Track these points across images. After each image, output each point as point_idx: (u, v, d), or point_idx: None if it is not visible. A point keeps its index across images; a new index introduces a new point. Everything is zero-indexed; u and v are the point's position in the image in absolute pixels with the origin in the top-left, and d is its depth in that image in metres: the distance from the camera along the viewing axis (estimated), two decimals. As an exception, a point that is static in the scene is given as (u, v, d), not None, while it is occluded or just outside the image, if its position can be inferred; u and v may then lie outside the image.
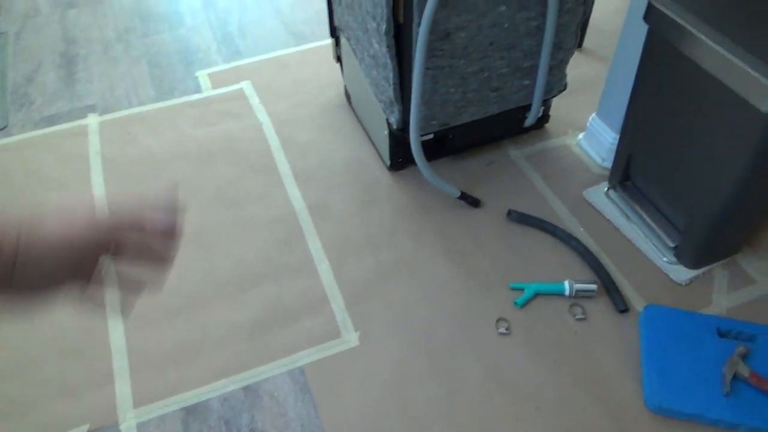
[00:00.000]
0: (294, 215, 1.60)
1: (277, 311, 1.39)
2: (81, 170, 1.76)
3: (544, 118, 1.80)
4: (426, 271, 1.46)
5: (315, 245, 1.52)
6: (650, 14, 1.24)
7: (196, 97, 2.02)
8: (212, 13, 2.43)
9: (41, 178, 1.75)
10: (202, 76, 2.11)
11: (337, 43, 1.86)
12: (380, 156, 1.75)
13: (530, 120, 1.67)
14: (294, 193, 1.66)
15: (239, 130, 1.86)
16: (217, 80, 2.08)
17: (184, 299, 1.42)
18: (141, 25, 2.38)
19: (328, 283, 1.44)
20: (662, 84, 1.30)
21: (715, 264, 1.45)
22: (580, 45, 2.13)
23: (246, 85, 2.05)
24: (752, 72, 1.04)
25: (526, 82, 1.56)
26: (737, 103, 1.09)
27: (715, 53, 1.10)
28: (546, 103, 1.73)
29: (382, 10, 1.30)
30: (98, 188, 1.70)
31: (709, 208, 1.29)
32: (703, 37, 1.12)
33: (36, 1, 2.55)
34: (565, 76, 1.63)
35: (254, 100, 1.98)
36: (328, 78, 2.05)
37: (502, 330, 1.33)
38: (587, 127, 1.75)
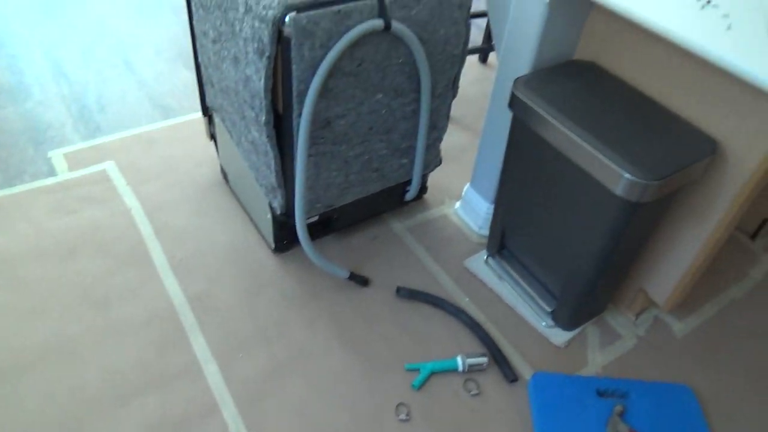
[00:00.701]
0: (173, 311, 1.48)
1: (162, 426, 1.26)
2: None
3: (423, 189, 1.87)
4: (321, 361, 1.42)
5: (199, 344, 1.42)
6: (513, 103, 1.35)
7: (50, 181, 1.83)
8: (65, 85, 2.24)
9: None
10: (57, 156, 1.92)
11: (211, 122, 1.79)
12: (264, 238, 1.70)
13: (411, 195, 1.72)
14: (172, 286, 1.54)
15: (105, 218, 1.71)
16: (74, 161, 1.91)
17: (53, 426, 1.24)
18: (-21, 100, 2.14)
19: (217, 387, 1.34)
20: (528, 163, 1.41)
21: (587, 323, 1.57)
22: (447, 115, 2.26)
23: (110, 166, 1.90)
24: (603, 159, 1.16)
25: (405, 160, 1.61)
26: (594, 184, 1.21)
27: (571, 140, 1.22)
28: (424, 177, 1.80)
29: (261, 102, 1.28)
30: (-69, 298, 1.46)
31: (578, 275, 1.40)
32: (560, 126, 1.23)
33: None
34: (439, 152, 1.70)
35: (120, 182, 1.84)
36: (203, 155, 1.97)
37: (403, 416, 1.32)
38: (463, 196, 1.84)
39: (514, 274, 1.63)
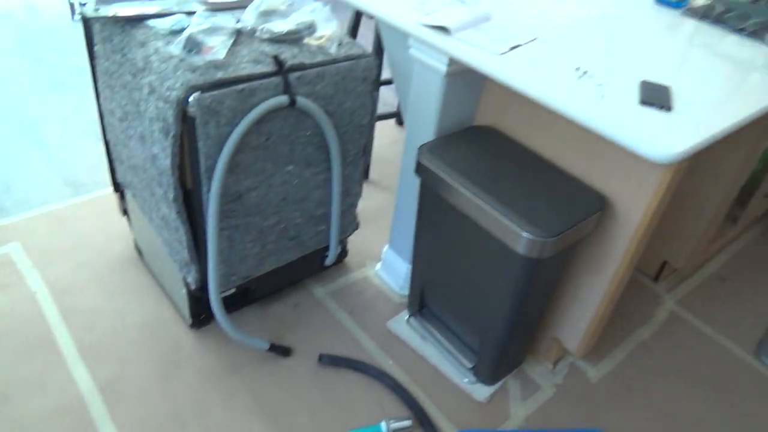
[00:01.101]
0: (81, 401, 1.40)
1: None
2: None
3: (343, 253, 1.89)
4: (242, 438, 1.37)
5: (110, 434, 1.34)
6: (419, 169, 1.41)
7: (-54, 268, 1.72)
8: (-34, 165, 2.15)
9: None
10: (-45, 240, 1.82)
11: (123, 197, 1.76)
12: (180, 314, 1.65)
13: (330, 260, 1.73)
14: (80, 373, 1.46)
15: (6, 305, 1.61)
16: (-26, 244, 1.81)
17: None
18: None
19: (130, 479, 1.26)
20: (439, 224, 1.46)
21: (507, 376, 1.61)
22: (366, 176, 2.32)
23: (14, 248, 1.81)
24: (504, 219, 1.23)
25: (322, 227, 1.63)
26: (498, 244, 1.27)
27: (474, 203, 1.28)
28: (343, 241, 1.82)
29: (168, 179, 1.28)
30: None
31: (493, 329, 1.44)
32: (462, 190, 1.30)
33: None
34: (356, 216, 1.74)
35: (25, 265, 1.75)
36: (116, 231, 1.91)
37: (329, 491, 1.28)
38: (383, 257, 1.88)
39: (435, 332, 1.66)
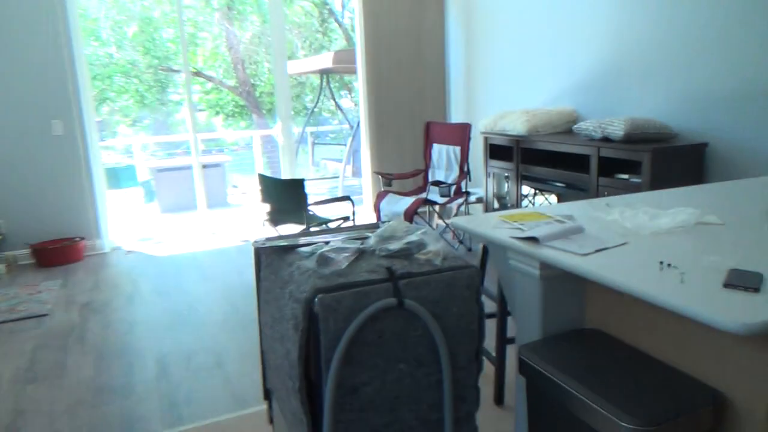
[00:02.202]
0: None
1: None
2: None
3: (468, 471, 1.84)
4: None
5: None
6: (522, 367, 1.47)
7: (127, 464, 2.03)
8: (164, 383, 2.61)
9: None
10: (139, 443, 2.16)
11: (270, 405, 2.00)
12: None
13: (449, 473, 1.71)
14: None
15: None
16: (152, 446, 2.12)
17: None
18: (92, 398, 2.52)
19: None
20: (546, 426, 1.43)
21: None
22: (500, 402, 2.31)
23: (180, 452, 2.09)
24: (602, 410, 1.20)
25: (438, 433, 1.67)
26: (602, 439, 1.22)
27: (572, 395, 1.28)
28: (465, 456, 1.79)
29: (296, 370, 1.50)
30: None
31: None
32: (561, 383, 1.32)
33: (0, 376, 2.73)
34: (476, 428, 1.74)
35: (185, 466, 1.99)
36: (263, 441, 2.12)
37: None
38: (510, 479, 1.78)
39: None
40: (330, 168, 9.14)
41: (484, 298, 1.75)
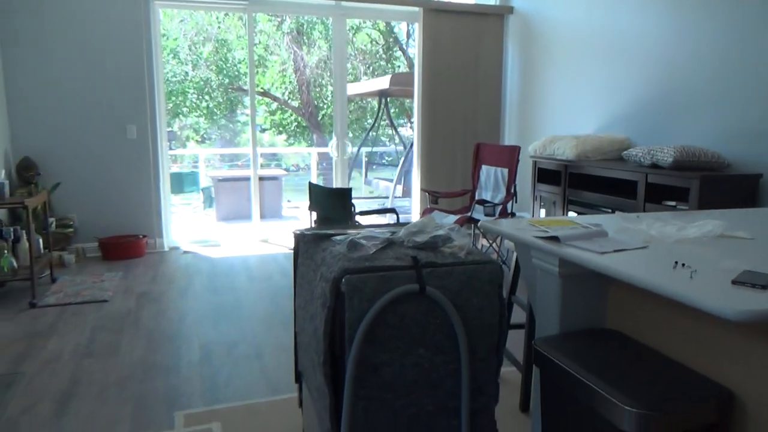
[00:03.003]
0: None
1: None
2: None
3: (483, 467, 1.88)
4: None
5: None
6: (536, 358, 1.52)
7: (166, 432, 2.18)
8: (206, 367, 2.78)
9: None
10: (179, 416, 2.31)
11: (300, 389, 2.11)
12: (320, 493, 1.78)
13: (463, 463, 1.76)
14: None
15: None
16: (190, 420, 2.27)
17: None
18: (140, 374, 2.71)
19: None
20: (558, 414, 1.48)
21: None
22: (525, 410, 2.33)
23: (215, 427, 2.22)
24: (607, 396, 1.25)
25: (455, 422, 1.73)
26: (609, 425, 1.26)
27: (580, 382, 1.33)
28: (480, 450, 1.84)
29: (321, 344, 1.61)
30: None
31: None
32: (570, 371, 1.37)
33: (61, 350, 2.97)
34: (494, 422, 1.79)
35: (218, 439, 2.12)
36: (295, 422, 2.22)
37: None
38: (524, 478, 1.81)
39: None
40: (381, 187, 9.33)
41: (516, 308, 1.81)
